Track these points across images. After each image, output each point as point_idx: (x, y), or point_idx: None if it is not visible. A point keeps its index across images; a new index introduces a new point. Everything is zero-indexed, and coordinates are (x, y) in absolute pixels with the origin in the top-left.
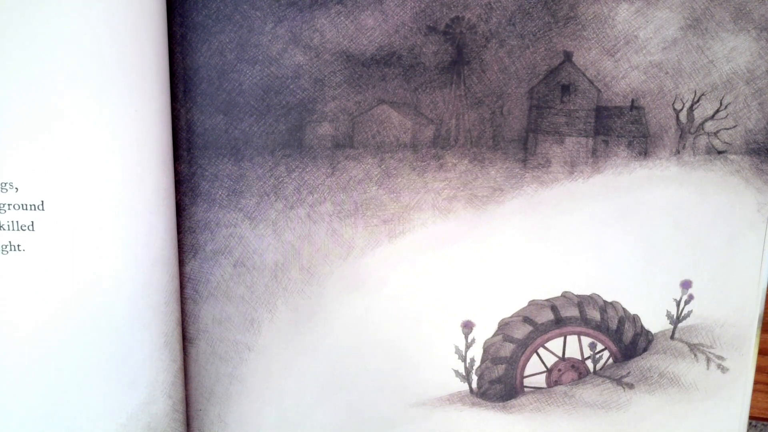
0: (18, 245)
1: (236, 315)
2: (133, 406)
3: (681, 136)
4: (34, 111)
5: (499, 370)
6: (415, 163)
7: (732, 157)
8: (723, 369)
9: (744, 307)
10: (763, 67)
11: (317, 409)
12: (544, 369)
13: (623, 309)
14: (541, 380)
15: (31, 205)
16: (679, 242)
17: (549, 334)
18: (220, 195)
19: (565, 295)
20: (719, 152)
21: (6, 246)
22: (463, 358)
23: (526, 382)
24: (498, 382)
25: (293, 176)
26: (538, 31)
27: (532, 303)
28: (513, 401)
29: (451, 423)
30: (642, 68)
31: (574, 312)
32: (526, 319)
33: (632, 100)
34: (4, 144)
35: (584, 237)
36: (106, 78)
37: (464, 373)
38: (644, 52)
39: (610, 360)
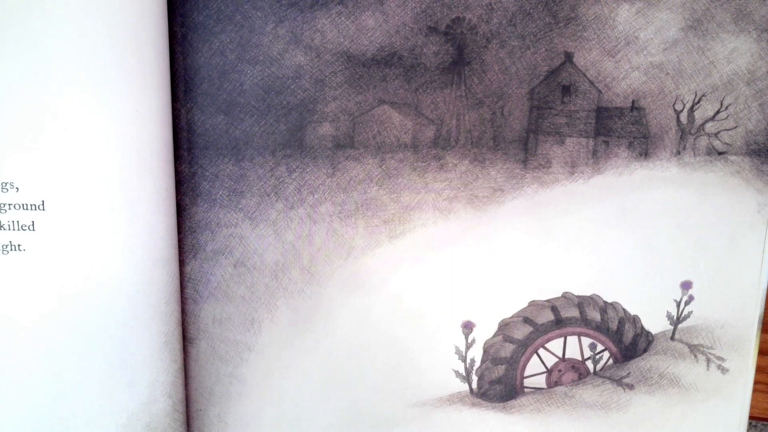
0: (18, 245)
1: (236, 315)
2: (133, 406)
3: (681, 137)
4: (35, 111)
5: (500, 370)
6: (415, 164)
7: (732, 158)
8: (723, 370)
9: (744, 307)
10: (763, 68)
11: (317, 409)
12: (545, 369)
13: (623, 310)
14: (541, 381)
15: (31, 205)
16: (679, 243)
17: (549, 335)
18: (221, 195)
19: (566, 296)
20: (720, 153)
21: (6, 246)
22: (464, 359)
23: (527, 382)
24: (498, 382)
25: (294, 176)
26: (539, 32)
27: (533, 303)
28: (513, 402)
29: (451, 423)
30: (643, 69)
31: (574, 313)
32: (527, 320)
33: (633, 101)
34: (5, 144)
35: (585, 237)
36: (107, 78)
37: (464, 374)
38: (645, 53)
39: (611, 361)
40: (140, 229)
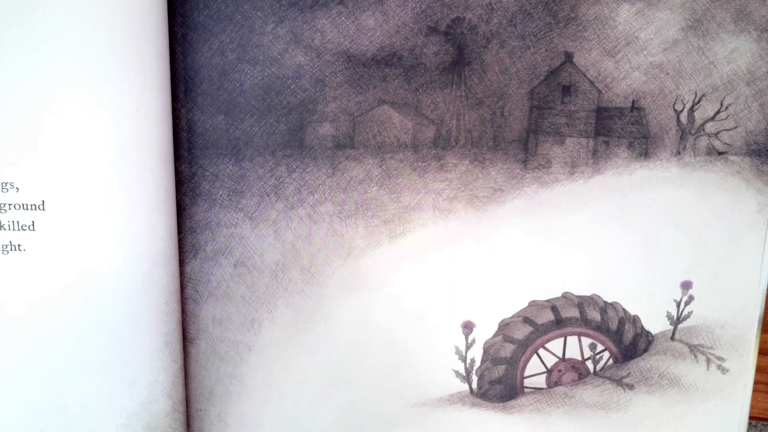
0: (18, 245)
1: (236, 315)
2: (133, 406)
3: (681, 137)
4: (35, 111)
5: (500, 370)
6: (415, 164)
7: (732, 158)
8: (723, 370)
9: (744, 307)
10: (763, 69)
11: (317, 408)
12: (545, 369)
13: (623, 310)
14: (541, 381)
15: (31, 205)
16: (679, 243)
17: (549, 335)
18: (221, 195)
19: (566, 296)
20: (720, 153)
21: (6, 246)
22: (464, 359)
23: (527, 382)
24: (498, 382)
25: (294, 176)
26: (539, 32)
27: (533, 303)
28: (513, 402)
29: (451, 423)
30: (643, 69)
31: (574, 313)
32: (527, 320)
33: (633, 101)
34: (5, 144)
35: (585, 237)
36: (107, 78)
37: (464, 374)
38: (645, 53)
39: (611, 361)
40: (140, 229)
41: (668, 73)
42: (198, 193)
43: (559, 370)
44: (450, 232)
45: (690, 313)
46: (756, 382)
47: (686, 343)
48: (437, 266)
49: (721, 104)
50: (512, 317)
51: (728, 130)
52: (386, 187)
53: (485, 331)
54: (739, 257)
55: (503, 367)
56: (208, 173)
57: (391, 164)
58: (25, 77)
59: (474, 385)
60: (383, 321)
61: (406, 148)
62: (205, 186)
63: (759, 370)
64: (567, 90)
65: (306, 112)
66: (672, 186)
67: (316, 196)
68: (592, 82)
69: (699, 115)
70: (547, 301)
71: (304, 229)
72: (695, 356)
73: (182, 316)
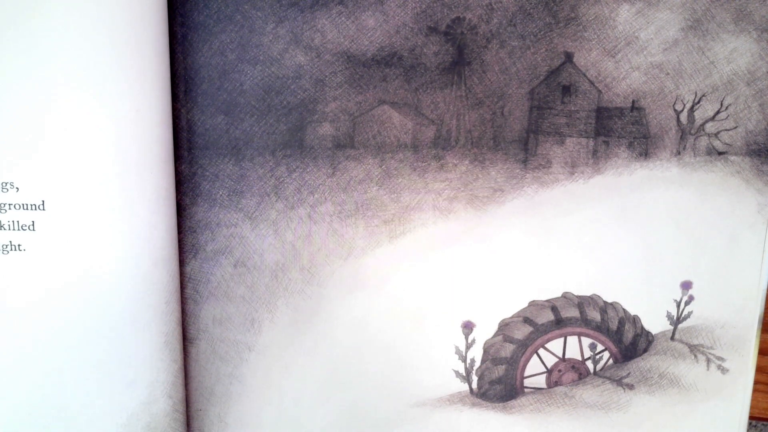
0: (18, 245)
1: (237, 315)
2: (133, 406)
3: (681, 137)
4: (35, 111)
5: (500, 370)
6: (415, 164)
7: (732, 158)
8: (723, 370)
9: (744, 308)
10: (763, 69)
11: (317, 409)
12: (545, 369)
13: (623, 310)
14: (541, 381)
15: (31, 205)
16: (679, 243)
17: (549, 335)
18: (221, 195)
19: (566, 296)
20: (720, 153)
21: (6, 246)
22: (464, 359)
23: (527, 382)
24: (498, 382)
25: (294, 176)
26: (539, 32)
27: (533, 303)
28: (513, 402)
29: (451, 423)
30: (643, 69)
31: (574, 313)
32: (527, 320)
33: (633, 101)
34: (5, 144)
35: (585, 238)
36: (107, 78)
37: (464, 374)
38: (645, 53)
39: (611, 361)
40: (140, 229)
41: (668, 73)
42: (198, 193)
43: (559, 370)
44: (450, 232)
45: (690, 313)
46: (756, 382)
47: (686, 343)
48: (437, 266)
49: (721, 104)
50: (512, 317)
51: (728, 130)
52: (386, 187)
53: (485, 331)
54: (739, 257)
55: (503, 367)
56: (208, 173)
57: (391, 164)
58: (25, 77)
59: (474, 385)
60: (383, 321)
61: (406, 148)
62: (205, 186)
63: (759, 370)
64: (567, 90)
65: (306, 112)
66: (672, 186)
67: (316, 196)
68: (592, 82)
69: (699, 115)
70: (547, 301)
71: (304, 229)
72: (695, 356)
73: (182, 316)
